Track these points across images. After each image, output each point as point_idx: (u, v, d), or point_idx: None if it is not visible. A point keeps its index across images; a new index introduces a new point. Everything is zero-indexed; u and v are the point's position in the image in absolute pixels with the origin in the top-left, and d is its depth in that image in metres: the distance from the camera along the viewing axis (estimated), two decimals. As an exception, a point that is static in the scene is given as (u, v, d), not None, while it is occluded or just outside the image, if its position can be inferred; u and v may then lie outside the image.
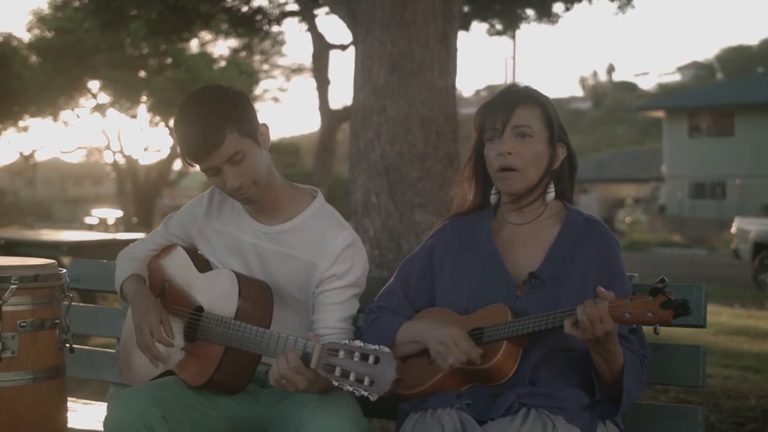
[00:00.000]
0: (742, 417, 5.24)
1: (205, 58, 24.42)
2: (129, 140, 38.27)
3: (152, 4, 9.65)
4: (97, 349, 3.41)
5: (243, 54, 24.97)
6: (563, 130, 2.53)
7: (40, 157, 37.37)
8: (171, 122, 25.91)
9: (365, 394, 2.12)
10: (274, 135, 2.67)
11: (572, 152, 2.56)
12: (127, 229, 22.87)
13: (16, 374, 2.46)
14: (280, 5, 11.75)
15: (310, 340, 2.27)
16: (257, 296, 2.54)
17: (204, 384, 2.51)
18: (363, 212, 5.53)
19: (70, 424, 2.69)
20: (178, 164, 29.49)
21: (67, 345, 2.60)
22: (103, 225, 22.66)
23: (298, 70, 29.60)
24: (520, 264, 2.45)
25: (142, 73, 24.88)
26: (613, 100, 73.05)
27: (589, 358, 2.28)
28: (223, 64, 25.25)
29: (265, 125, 2.58)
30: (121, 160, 29.31)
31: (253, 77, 26.84)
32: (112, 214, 25.00)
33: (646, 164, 44.47)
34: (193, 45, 23.84)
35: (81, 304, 3.54)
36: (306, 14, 12.44)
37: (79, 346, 2.98)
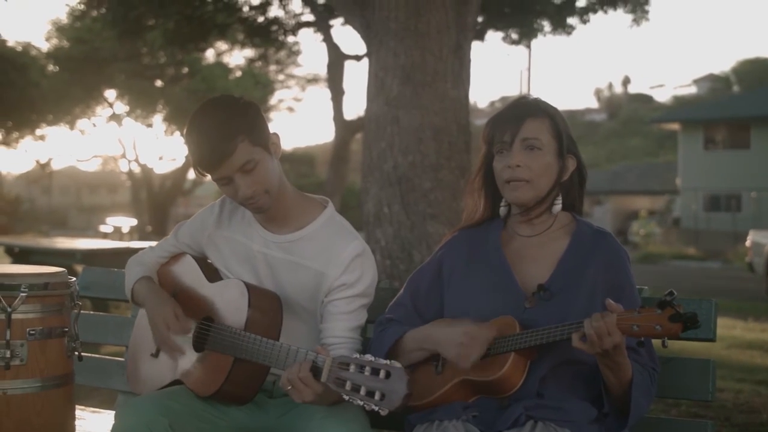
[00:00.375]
0: (754, 432, 5.20)
1: (221, 67, 24.53)
2: (144, 149, 38.56)
3: (169, 14, 9.71)
4: (107, 357, 3.41)
5: (259, 64, 25.04)
6: (573, 142, 2.52)
7: (56, 166, 37.59)
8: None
9: (376, 408, 2.11)
10: (289, 145, 2.69)
11: (582, 164, 2.55)
12: (142, 238, 22.93)
13: (24, 382, 2.46)
14: (295, 16, 11.81)
15: (319, 353, 2.27)
16: (267, 307, 2.54)
17: (212, 394, 2.51)
18: (375, 222, 5.53)
19: (78, 432, 2.69)
20: (192, 173, 29.56)
21: (76, 353, 2.61)
22: (117, 233, 22.76)
23: (313, 80, 29.68)
24: (529, 276, 2.44)
25: (159, 83, 25.03)
26: (628, 112, 72.88)
27: (597, 371, 2.27)
28: (238, 74, 25.35)
29: (276, 134, 2.59)
30: (137, 169, 29.47)
31: (268, 87, 26.92)
32: (127, 223, 25.11)
33: (660, 176, 44.32)
34: (210, 55, 23.95)
35: (92, 312, 3.55)
36: (321, 25, 12.49)
37: (89, 354, 2.99)
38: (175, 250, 2.89)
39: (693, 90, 76.99)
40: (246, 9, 10.97)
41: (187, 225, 2.87)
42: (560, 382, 2.34)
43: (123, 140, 29.12)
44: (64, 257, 9.91)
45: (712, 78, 75.56)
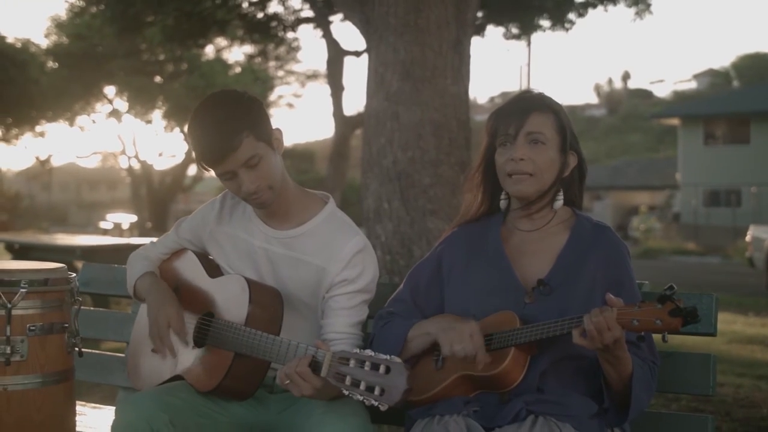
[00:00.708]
0: (754, 426, 5.21)
1: (221, 64, 24.50)
2: (144, 145, 38.62)
3: (168, 11, 9.70)
4: (107, 353, 3.42)
5: (258, 60, 25.00)
6: (575, 138, 2.52)
7: (56, 162, 37.62)
8: (186, 128, 25.97)
9: (375, 403, 2.11)
10: (289, 141, 2.69)
11: (583, 160, 2.55)
12: (142, 234, 22.98)
13: (25, 378, 2.47)
14: (295, 12, 11.79)
15: (319, 348, 2.27)
16: (268, 302, 2.54)
17: (213, 389, 2.51)
18: (375, 218, 5.52)
19: (79, 428, 2.70)
20: (192, 169, 29.62)
21: (77, 349, 2.61)
22: (117, 229, 22.81)
23: (313, 76, 29.66)
24: (529, 271, 2.44)
25: (158, 79, 25.01)
26: (628, 107, 72.83)
27: (597, 365, 2.27)
28: (238, 70, 25.34)
29: (278, 130, 2.59)
30: (136, 165, 29.50)
31: (267, 83, 26.91)
32: (127, 219, 25.16)
33: (660, 172, 44.29)
34: (209, 51, 23.90)
35: (92, 308, 3.55)
36: (321, 21, 12.47)
37: (89, 350, 2.99)
38: (176, 246, 2.89)
39: (693, 85, 76.92)
40: (245, 5, 10.96)
41: (188, 221, 2.87)
42: (561, 376, 2.34)
43: (123, 137, 29.21)
44: (64, 253, 9.91)
45: (711, 73, 75.45)
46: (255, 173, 2.49)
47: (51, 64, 24.10)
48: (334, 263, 2.58)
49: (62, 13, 23.49)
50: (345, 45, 15.22)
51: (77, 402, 2.72)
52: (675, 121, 39.83)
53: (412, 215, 5.42)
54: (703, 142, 37.13)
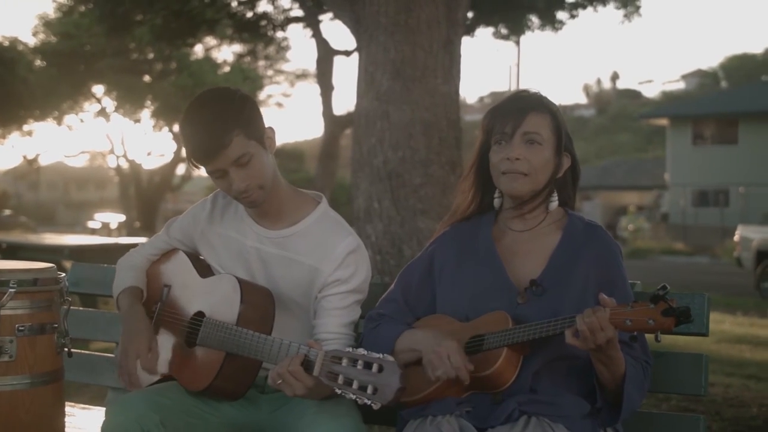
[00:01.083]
0: (744, 426, 5.22)
1: (210, 63, 24.44)
2: (132, 145, 38.46)
3: (157, 10, 9.68)
4: (96, 353, 3.39)
5: (247, 59, 24.97)
6: (570, 140, 2.52)
7: (43, 161, 37.45)
8: (175, 127, 26.09)
9: (368, 402, 2.10)
10: (278, 140, 2.66)
11: (576, 161, 2.55)
12: (130, 234, 22.92)
13: (13, 378, 2.45)
14: (284, 11, 11.79)
15: (311, 347, 2.26)
16: (259, 302, 2.53)
17: (204, 390, 2.49)
18: (365, 218, 5.52)
19: (68, 429, 2.68)
20: (181, 169, 29.56)
21: (66, 349, 2.59)
22: (105, 229, 22.73)
23: (303, 75, 29.67)
24: (521, 271, 2.44)
25: (147, 78, 24.93)
26: (617, 107, 72.99)
27: (590, 365, 2.27)
28: (227, 69, 25.26)
29: (271, 129, 2.58)
30: (125, 165, 29.42)
31: (257, 82, 26.84)
32: (115, 219, 25.08)
33: (649, 172, 44.42)
34: (198, 50, 23.87)
35: (81, 308, 3.53)
36: (310, 20, 12.47)
37: (78, 351, 2.97)
38: (166, 247, 2.87)
39: (681, 86, 77.09)
40: (234, 4, 10.95)
41: (179, 221, 2.85)
42: (553, 377, 2.33)
43: (111, 136, 29.08)
44: (52, 253, 9.87)
45: (700, 74, 75.67)
46: (245, 172, 2.47)
47: (39, 62, 23.99)
48: (327, 263, 2.56)
49: (50, 12, 23.44)
50: (335, 44, 15.23)
51: (66, 403, 2.70)
52: (663, 122, 39.96)
53: (402, 215, 5.42)
54: (692, 143, 37.24)
